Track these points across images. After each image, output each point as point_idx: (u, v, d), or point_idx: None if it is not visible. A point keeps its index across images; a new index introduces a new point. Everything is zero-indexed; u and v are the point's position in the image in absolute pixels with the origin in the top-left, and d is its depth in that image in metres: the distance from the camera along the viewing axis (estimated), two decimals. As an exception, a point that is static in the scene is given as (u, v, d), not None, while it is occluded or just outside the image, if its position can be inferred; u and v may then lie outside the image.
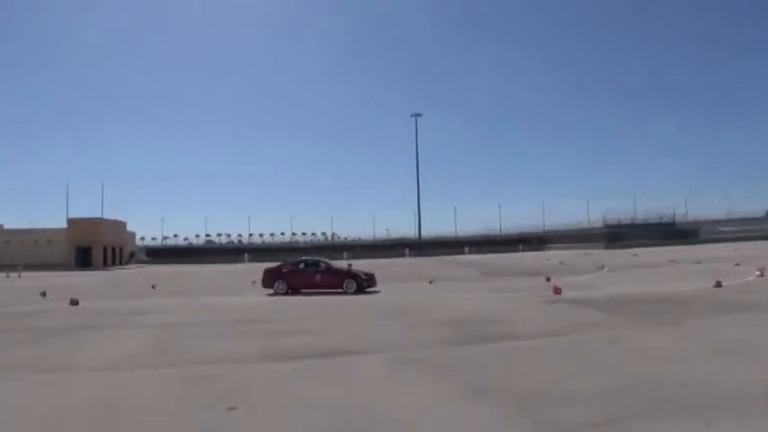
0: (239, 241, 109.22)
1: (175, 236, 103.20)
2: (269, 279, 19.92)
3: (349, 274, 20.05)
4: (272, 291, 19.34)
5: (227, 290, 23.00)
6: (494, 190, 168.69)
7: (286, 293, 18.94)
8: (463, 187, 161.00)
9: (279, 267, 20.68)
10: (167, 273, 42.04)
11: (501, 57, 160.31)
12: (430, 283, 22.83)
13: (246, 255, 70.75)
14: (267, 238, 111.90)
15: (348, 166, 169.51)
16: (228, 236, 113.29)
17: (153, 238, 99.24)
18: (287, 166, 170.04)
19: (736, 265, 24.72)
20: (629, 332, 9.18)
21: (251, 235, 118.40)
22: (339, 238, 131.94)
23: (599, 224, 72.16)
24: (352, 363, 7.56)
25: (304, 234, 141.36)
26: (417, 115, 78.44)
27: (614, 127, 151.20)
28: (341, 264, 23.61)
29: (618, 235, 62.71)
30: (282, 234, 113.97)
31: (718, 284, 15.36)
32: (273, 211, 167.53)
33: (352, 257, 65.57)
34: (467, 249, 69.59)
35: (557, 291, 15.76)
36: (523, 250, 67.57)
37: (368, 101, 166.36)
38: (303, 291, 19.16)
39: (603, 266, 29.56)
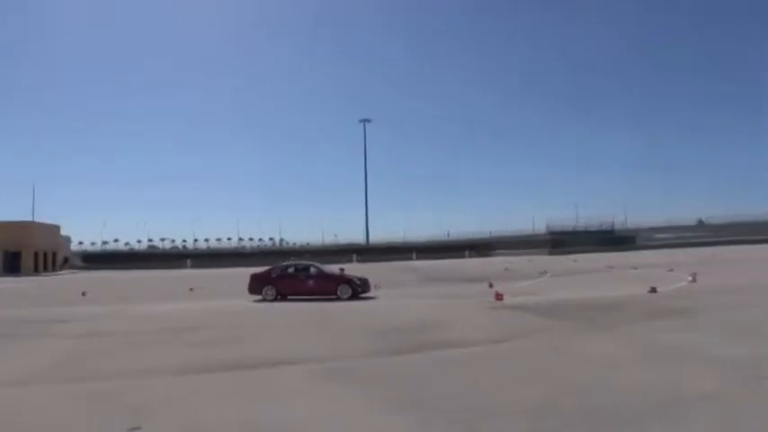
0: (183, 246, 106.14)
1: (116, 241, 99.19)
2: (256, 285, 18.93)
3: (343, 279, 19.27)
4: (258, 297, 18.52)
5: (163, 297, 21.94)
6: (443, 197, 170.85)
7: (275, 300, 18.20)
8: (413, 194, 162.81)
9: (267, 272, 19.61)
10: (102, 279, 39.97)
11: (452, 62, 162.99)
12: (375, 287, 22.48)
13: (189, 260, 68.72)
14: (213, 244, 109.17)
15: (298, 171, 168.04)
16: (172, 241, 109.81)
17: (92, 243, 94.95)
18: (234, 170, 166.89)
19: (670, 270, 25.64)
20: (568, 338, 9.16)
21: (196, 240, 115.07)
22: (287, 243, 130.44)
23: (543, 231, 74.06)
24: (276, 375, 7.13)
25: (251, 239, 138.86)
26: (366, 121, 78.60)
27: (560, 136, 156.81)
28: (332, 268, 22.65)
29: (560, 241, 64.61)
30: (229, 239, 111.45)
31: (653, 290, 15.77)
32: (220, 216, 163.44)
33: (299, 263, 64.80)
34: (415, 255, 69.71)
35: (498, 297, 15.75)
36: (470, 256, 68.32)
37: (320, 104, 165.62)
38: (293, 297, 18.37)
39: (546, 272, 30.06)
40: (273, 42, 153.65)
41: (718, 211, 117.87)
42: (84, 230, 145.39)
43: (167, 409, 5.50)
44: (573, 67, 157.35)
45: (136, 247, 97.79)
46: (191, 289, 25.46)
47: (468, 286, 22.27)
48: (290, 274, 19.27)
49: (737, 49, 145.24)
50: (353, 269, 46.31)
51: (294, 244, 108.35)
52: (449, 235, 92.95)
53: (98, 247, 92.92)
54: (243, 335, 10.77)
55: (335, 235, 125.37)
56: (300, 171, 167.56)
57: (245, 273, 44.79)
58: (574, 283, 22.37)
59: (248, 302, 18.12)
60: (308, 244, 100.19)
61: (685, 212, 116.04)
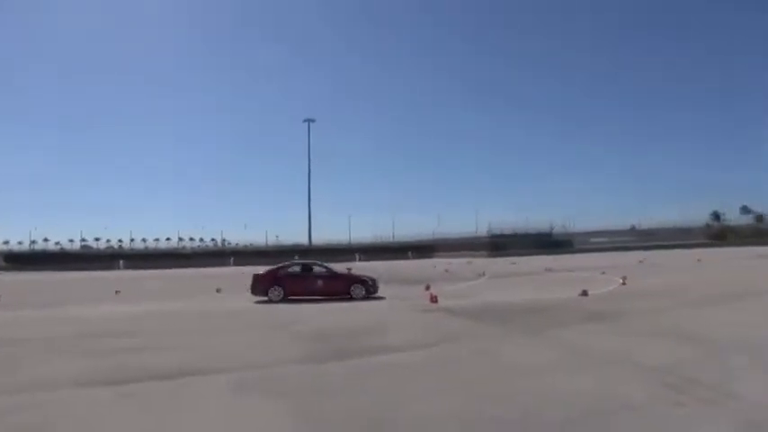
0: (120, 246, 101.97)
1: (46, 240, 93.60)
2: (261, 285, 17.72)
3: (356, 278, 18.48)
4: (264, 298, 17.49)
5: (88, 300, 20.48)
6: (389, 199, 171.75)
7: (282, 301, 17.17)
8: (359, 196, 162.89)
9: (274, 271, 18.35)
10: (20, 281, 37.29)
11: (398, 63, 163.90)
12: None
13: (122, 261, 65.65)
14: (151, 244, 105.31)
15: (243, 171, 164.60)
16: (107, 241, 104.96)
17: (19, 242, 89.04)
18: (176, 168, 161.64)
19: (603, 273, 26.21)
20: (498, 342, 8.86)
21: (132, 240, 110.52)
22: (230, 243, 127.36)
23: (485, 234, 75.22)
24: (186, 386, 6.48)
25: (192, 239, 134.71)
26: (310, 121, 77.45)
27: (504, 141, 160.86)
28: (341, 268, 21.78)
29: (500, 244, 65.73)
30: (168, 239, 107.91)
31: (584, 293, 15.87)
32: (160, 215, 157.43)
33: (238, 263, 62.91)
34: (358, 256, 69.22)
35: (433, 299, 15.49)
36: (413, 257, 68.62)
37: (265, 104, 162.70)
38: (297, 298, 17.53)
39: (484, 274, 30.27)
40: (213, 39, 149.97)
41: (649, 217, 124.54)
42: (18, 231, 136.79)
43: (60, 427, 4.94)
44: (519, 71, 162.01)
45: (68, 247, 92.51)
46: (117, 291, 23.94)
47: (406, 288, 21.91)
48: (299, 274, 18.23)
49: (670, 53, 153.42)
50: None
51: (237, 244, 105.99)
52: (394, 237, 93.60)
53: (25, 247, 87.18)
54: (165, 342, 9.88)
55: (277, 236, 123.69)
56: (245, 172, 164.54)
57: (180, 274, 44.21)
58: (510, 285, 22.41)
59: (186, 304, 17.10)
60: (251, 244, 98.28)
61: (619, 218, 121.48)
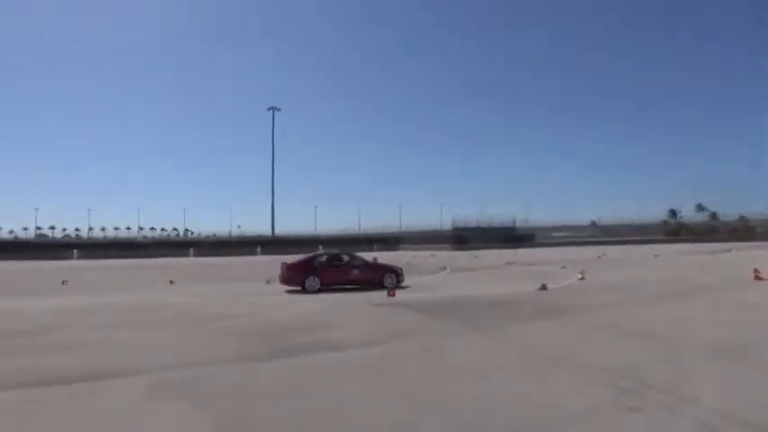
0: (77, 235, 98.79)
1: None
2: (296, 275, 17.22)
3: (389, 268, 18.58)
4: (297, 288, 17.05)
5: (28, 292, 19.32)
6: (356, 191, 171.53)
7: (318, 291, 16.71)
8: (327, 187, 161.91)
9: (308, 261, 18.04)
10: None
11: (367, 54, 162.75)
12: (267, 283, 21.02)
13: (75, 251, 63.11)
14: (110, 233, 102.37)
15: (206, 161, 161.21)
16: (64, 230, 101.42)
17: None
18: (137, 156, 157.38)
19: (563, 267, 26.29)
20: (448, 340, 8.40)
21: (91, 229, 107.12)
22: (192, 233, 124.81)
23: (450, 227, 75.39)
24: (99, 390, 5.77)
25: (153, 229, 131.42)
26: (275, 109, 75.84)
27: (471, 135, 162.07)
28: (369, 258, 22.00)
29: (463, 238, 65.88)
30: (128, 228, 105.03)
31: (544, 287, 15.66)
32: (120, 203, 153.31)
33: (199, 254, 61.32)
34: (321, 248, 68.34)
35: (391, 293, 15.03)
36: (378, 250, 68.05)
37: (230, 92, 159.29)
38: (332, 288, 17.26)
39: (446, 267, 30.01)
40: (178, 27, 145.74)
41: (609, 213, 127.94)
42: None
43: None
44: (488, 63, 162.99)
45: (21, 235, 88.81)
46: (63, 281, 22.69)
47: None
48: (334, 264, 18.17)
49: (642, 51, 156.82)
50: (248, 262, 44.54)
51: (200, 234, 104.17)
52: (360, 229, 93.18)
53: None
54: (87, 339, 8.99)
55: (239, 226, 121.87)
56: (208, 162, 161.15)
57: (135, 264, 42.61)
58: (471, 279, 22.15)
59: (130, 297, 16.13)
60: (214, 235, 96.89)
61: (581, 214, 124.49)
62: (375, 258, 23.56)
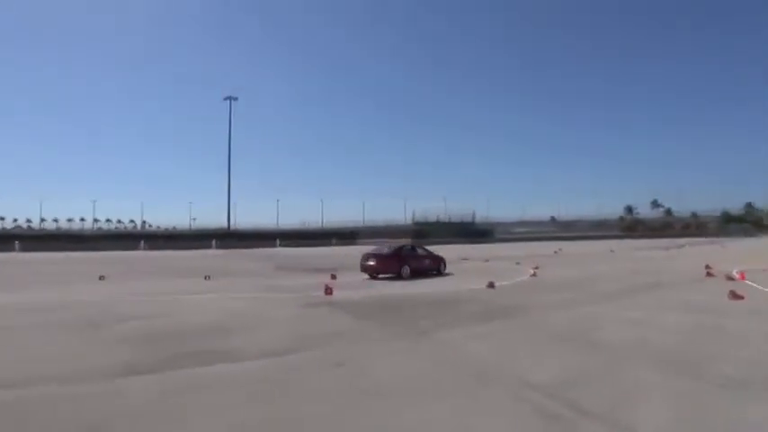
0: (29, 227, 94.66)
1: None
2: (393, 264, 19.18)
3: (441, 258, 21.41)
4: (389, 275, 18.88)
5: None
6: (318, 185, 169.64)
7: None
8: (291, 182, 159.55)
9: (398, 252, 20.15)
10: None
11: (327, 47, 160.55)
12: (206, 278, 19.62)
13: (17, 243, 59.74)
14: (64, 224, 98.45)
15: (165, 153, 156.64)
16: (15, 220, 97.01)
17: None
18: (92, 147, 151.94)
19: (517, 264, 25.72)
20: (366, 348, 7.33)
21: (43, 220, 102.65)
22: (150, 226, 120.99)
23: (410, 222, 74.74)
24: None
25: (109, 221, 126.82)
26: (232, 99, 73.30)
27: (432, 132, 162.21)
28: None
29: (423, 232, 65.24)
30: (83, 220, 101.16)
31: (491, 285, 14.84)
32: (74, 195, 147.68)
33: (150, 248, 58.83)
34: (278, 242, 66.79)
35: (328, 291, 13.93)
36: (337, 244, 66.86)
37: (187, 83, 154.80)
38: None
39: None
40: (135, 16, 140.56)
41: (569, 209, 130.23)
42: None
43: None
44: (446, 65, 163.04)
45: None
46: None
47: (310, 277, 20.21)
48: (414, 254, 20.59)
49: (602, 57, 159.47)
50: (207, 255, 42.76)
51: (159, 227, 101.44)
52: (322, 224, 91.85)
53: None
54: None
55: (194, 219, 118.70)
56: (167, 154, 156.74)
57: (76, 258, 40.15)
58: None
59: (50, 295, 14.48)
60: (174, 228, 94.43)
61: (542, 210, 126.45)
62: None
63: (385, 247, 22.32)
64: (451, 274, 20.29)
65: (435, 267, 20.74)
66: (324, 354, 7.04)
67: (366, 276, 19.31)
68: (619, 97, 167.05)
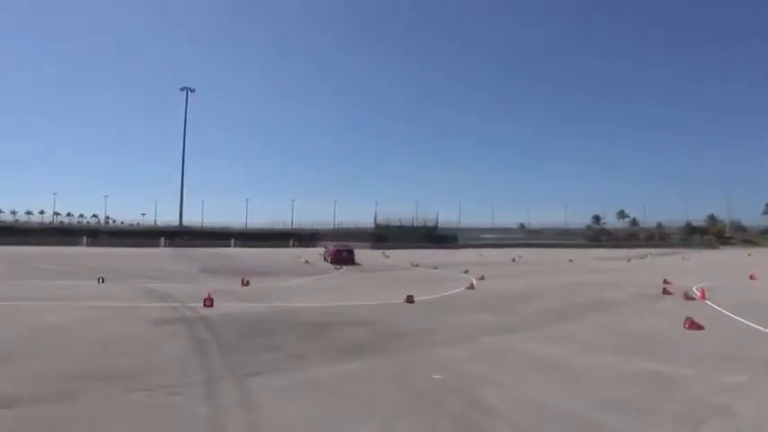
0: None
1: None
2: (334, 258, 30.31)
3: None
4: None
5: None
6: (292, 186, 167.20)
7: None
8: (261, 182, 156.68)
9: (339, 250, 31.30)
10: None
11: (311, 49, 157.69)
12: (99, 281, 16.82)
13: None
14: (22, 217, 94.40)
15: (130, 148, 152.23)
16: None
17: None
18: (54, 140, 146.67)
19: (465, 272, 23.55)
20: (145, 400, 4.81)
21: (1, 212, 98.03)
22: (114, 222, 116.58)
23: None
24: None
25: (70, 215, 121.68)
26: (189, 89, 69.74)
27: (406, 136, 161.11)
28: None
29: (385, 236, 62.73)
30: (42, 213, 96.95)
31: (410, 300, 12.44)
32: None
33: (94, 244, 55.25)
34: (233, 242, 63.56)
35: (207, 303, 11.38)
36: (297, 246, 64.02)
37: (144, 73, 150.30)
38: None
39: (341, 267, 26.69)
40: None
41: (540, 217, 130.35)
42: None
43: None
44: (423, 68, 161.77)
45: None
46: None
47: (226, 282, 17.68)
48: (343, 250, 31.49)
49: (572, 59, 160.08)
50: (147, 254, 39.48)
51: (122, 222, 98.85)
52: (293, 224, 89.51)
53: None
54: None
55: (143, 214, 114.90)
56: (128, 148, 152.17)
57: (6, 252, 36.47)
58: (354, 283, 18.76)
59: None
60: (138, 224, 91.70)
61: (511, 217, 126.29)
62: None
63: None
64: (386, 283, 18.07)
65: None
66: (78, 408, 4.48)
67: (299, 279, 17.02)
68: (596, 104, 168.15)
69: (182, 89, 69.62)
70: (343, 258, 30.20)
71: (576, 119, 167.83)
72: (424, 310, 11.25)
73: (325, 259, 32.22)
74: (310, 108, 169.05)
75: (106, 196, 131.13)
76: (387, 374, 5.93)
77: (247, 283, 16.49)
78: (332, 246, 34.04)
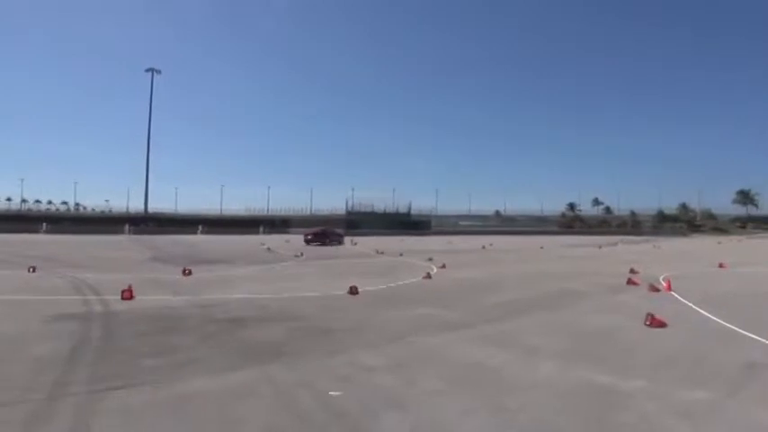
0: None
1: None
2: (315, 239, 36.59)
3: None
4: None
5: None
6: (265, 173, 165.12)
7: None
8: (234, 169, 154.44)
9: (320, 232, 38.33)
10: None
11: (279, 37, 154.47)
12: (30, 270, 15.44)
13: None
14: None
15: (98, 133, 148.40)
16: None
17: None
18: (22, 125, 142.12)
19: (429, 260, 22.64)
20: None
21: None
22: (85, 209, 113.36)
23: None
24: None
25: (38, 201, 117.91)
26: (155, 71, 67.10)
27: (384, 123, 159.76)
28: None
29: (356, 222, 61.61)
30: (9, 200, 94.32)
31: (353, 291, 11.41)
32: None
33: (54, 231, 53.11)
34: (201, 229, 61.77)
35: (126, 295, 10.23)
36: (267, 233, 62.58)
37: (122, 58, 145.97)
38: None
39: (302, 254, 25.61)
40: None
41: (517, 204, 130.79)
42: None
43: None
44: (398, 56, 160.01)
45: None
46: None
47: (172, 271, 16.41)
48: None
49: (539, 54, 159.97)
50: (105, 241, 37.70)
51: (93, 209, 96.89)
52: (268, 211, 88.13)
53: None
54: None
55: (107, 200, 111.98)
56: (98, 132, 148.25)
57: None
58: (311, 271, 17.62)
59: None
60: (110, 210, 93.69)
61: (488, 204, 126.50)
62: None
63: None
64: (341, 272, 17.07)
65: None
66: None
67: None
68: (576, 94, 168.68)
69: (147, 70, 66.91)
70: (323, 239, 36.93)
71: (556, 107, 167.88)
72: (364, 303, 10.19)
73: (306, 240, 36.53)
74: (290, 95, 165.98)
75: (75, 183, 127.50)
76: (276, 389, 4.84)
77: (189, 273, 15.29)
78: (314, 229, 40.13)
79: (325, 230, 39.47)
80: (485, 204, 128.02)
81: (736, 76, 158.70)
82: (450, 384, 5.01)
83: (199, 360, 5.83)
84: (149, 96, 66.34)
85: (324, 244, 36.04)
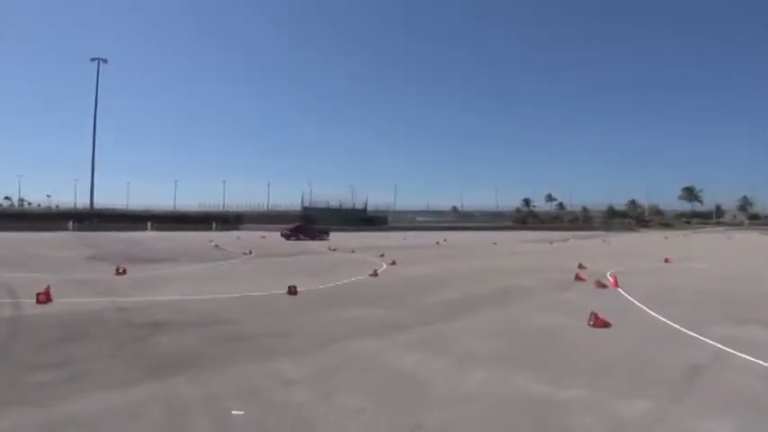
0: None
1: None
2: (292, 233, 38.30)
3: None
4: None
5: None
6: (221, 167, 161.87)
7: None
8: (189, 163, 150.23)
9: (297, 227, 40.30)
10: None
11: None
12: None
13: None
14: None
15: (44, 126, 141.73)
16: None
17: None
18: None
19: (381, 256, 22.26)
20: None
21: None
22: (30, 204, 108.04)
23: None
24: None
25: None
26: (100, 60, 64.07)
27: (342, 117, 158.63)
28: None
29: (311, 218, 60.62)
30: None
31: (292, 291, 10.80)
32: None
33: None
34: (150, 225, 59.55)
35: (41, 298, 9.34)
36: (219, 229, 60.86)
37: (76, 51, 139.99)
38: None
39: (251, 252, 24.70)
40: None
41: (474, 200, 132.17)
42: None
43: None
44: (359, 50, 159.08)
45: None
46: None
47: (106, 270, 15.34)
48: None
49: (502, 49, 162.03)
50: (43, 238, 35.63)
51: (39, 205, 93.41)
52: (224, 206, 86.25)
53: None
54: None
55: (48, 196, 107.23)
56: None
57: None
58: (254, 270, 16.82)
59: None
60: (57, 207, 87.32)
61: (446, 200, 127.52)
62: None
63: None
64: (286, 270, 16.30)
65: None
66: None
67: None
68: (526, 98, 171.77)
69: (93, 60, 63.89)
70: (298, 234, 38.58)
71: (515, 103, 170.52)
72: (301, 304, 9.60)
73: (284, 236, 38.46)
74: (248, 89, 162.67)
75: (20, 176, 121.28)
76: (171, 408, 4.21)
77: (123, 272, 14.31)
78: (291, 225, 41.70)
79: (300, 226, 41.12)
80: (443, 200, 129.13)
81: (684, 71, 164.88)
82: (371, 400, 4.47)
83: (95, 373, 5.14)
84: (95, 86, 63.22)
85: (299, 239, 37.69)
